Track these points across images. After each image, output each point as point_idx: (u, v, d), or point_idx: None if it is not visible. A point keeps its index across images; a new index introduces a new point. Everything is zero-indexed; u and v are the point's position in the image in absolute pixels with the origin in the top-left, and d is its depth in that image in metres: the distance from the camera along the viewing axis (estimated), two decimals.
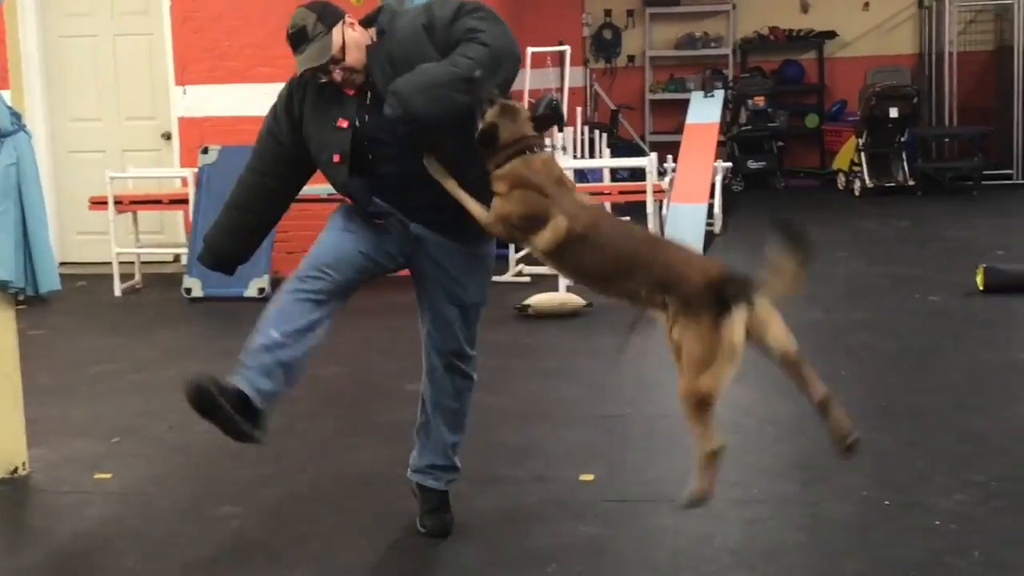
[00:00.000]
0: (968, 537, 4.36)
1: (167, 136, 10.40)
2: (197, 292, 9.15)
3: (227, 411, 4.00)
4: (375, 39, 4.23)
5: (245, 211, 4.55)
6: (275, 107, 4.45)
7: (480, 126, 4.07)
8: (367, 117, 4.23)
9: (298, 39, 4.17)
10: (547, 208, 3.98)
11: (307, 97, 4.31)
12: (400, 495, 5.02)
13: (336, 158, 4.23)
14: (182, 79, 10.10)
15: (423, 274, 4.42)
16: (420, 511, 4.60)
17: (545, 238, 3.98)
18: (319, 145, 4.29)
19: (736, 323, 3.69)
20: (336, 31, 4.16)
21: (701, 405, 3.74)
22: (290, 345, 4.14)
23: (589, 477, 5.11)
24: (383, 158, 4.25)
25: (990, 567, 4.12)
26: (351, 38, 4.19)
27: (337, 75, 4.19)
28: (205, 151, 9.51)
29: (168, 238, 10.54)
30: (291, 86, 4.40)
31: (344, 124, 4.23)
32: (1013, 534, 4.39)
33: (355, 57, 4.19)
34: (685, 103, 13.01)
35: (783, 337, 3.77)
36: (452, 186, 4.17)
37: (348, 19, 4.23)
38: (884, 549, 4.31)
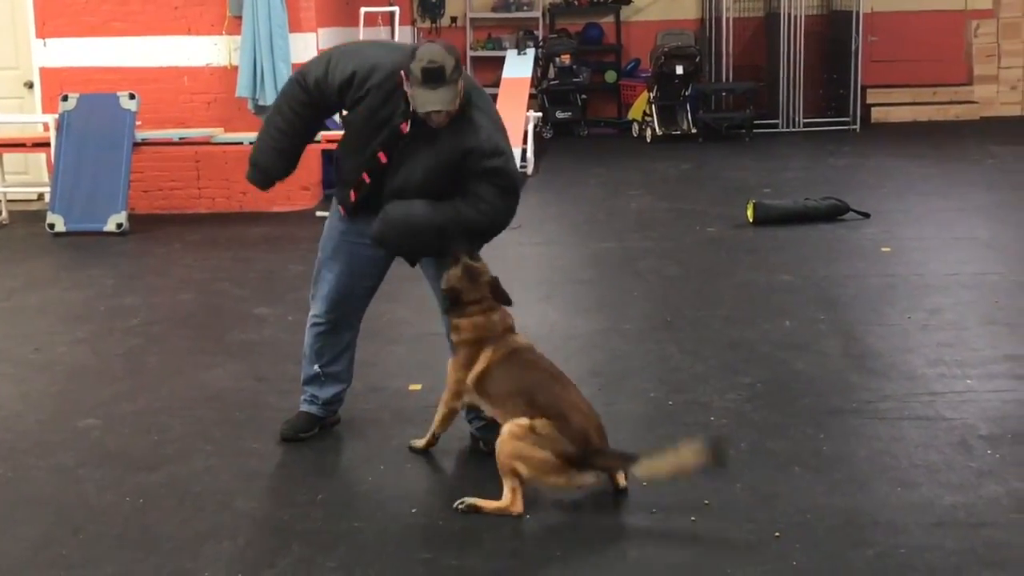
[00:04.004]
0: (737, 430, 4.52)
1: (29, 85, 9.95)
2: (60, 227, 8.80)
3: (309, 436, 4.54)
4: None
5: (295, 137, 4.31)
6: (319, 79, 4.14)
7: (444, 283, 4.11)
8: (400, 153, 4.07)
9: (436, 77, 3.84)
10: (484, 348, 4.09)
11: (365, 101, 4.08)
12: (245, 405, 4.95)
13: (365, 177, 4.15)
14: (43, 32, 9.67)
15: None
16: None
17: (476, 369, 4.08)
18: (359, 144, 4.14)
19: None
20: (462, 80, 3.93)
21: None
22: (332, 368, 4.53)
23: (416, 387, 5.11)
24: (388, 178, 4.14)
25: (755, 454, 4.29)
26: (461, 89, 3.96)
27: (436, 118, 3.94)
28: (65, 99, 9.13)
29: (32, 178, 10.09)
30: (352, 79, 4.09)
31: (383, 159, 4.08)
32: (773, 427, 4.55)
33: (456, 107, 3.96)
34: (502, 60, 12.97)
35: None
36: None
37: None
38: (667, 441, 4.37)
